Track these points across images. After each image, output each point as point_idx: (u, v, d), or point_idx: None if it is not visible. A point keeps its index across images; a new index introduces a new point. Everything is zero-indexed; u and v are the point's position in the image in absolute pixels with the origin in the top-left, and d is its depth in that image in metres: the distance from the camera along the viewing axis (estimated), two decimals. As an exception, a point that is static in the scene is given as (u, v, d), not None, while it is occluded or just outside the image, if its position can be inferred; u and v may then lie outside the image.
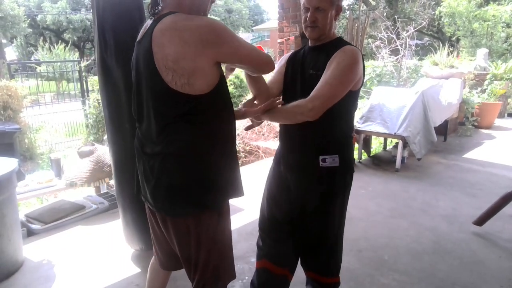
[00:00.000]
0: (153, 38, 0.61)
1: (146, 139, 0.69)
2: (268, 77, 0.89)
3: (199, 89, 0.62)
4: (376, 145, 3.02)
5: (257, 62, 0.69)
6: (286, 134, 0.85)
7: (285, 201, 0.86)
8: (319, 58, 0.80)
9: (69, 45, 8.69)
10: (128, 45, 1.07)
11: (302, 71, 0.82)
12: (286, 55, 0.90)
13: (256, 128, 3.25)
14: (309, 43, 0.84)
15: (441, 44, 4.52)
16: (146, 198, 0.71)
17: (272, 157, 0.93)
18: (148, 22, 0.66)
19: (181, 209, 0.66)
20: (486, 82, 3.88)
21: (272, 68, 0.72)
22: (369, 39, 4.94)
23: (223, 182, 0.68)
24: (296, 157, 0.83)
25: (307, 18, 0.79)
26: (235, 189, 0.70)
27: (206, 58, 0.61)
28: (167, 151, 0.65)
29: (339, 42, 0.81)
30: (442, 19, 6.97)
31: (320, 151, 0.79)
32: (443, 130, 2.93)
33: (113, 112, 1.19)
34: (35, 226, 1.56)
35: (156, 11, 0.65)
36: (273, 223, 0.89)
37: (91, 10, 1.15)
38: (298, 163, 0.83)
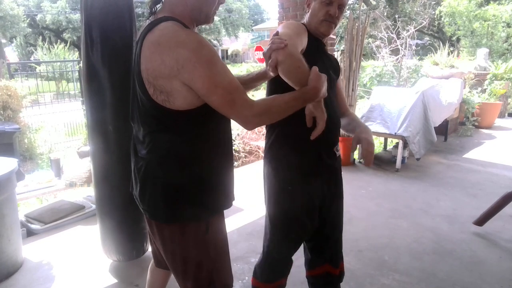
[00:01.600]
0: (143, 47, 0.59)
1: (136, 140, 0.67)
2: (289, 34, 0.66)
3: (179, 106, 0.58)
4: (377, 145, 3.02)
5: (232, 117, 0.59)
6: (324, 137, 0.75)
7: (317, 207, 0.83)
8: (332, 61, 0.81)
9: (69, 44, 8.66)
10: (116, 45, 1.05)
11: (322, 67, 0.70)
12: (304, 27, 0.75)
13: (256, 128, 3.22)
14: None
15: (441, 44, 4.51)
16: (136, 197, 0.69)
17: None
18: (146, 22, 0.64)
19: (165, 216, 0.64)
20: (486, 82, 3.87)
21: (251, 129, 0.64)
22: (369, 39, 4.93)
23: (209, 196, 0.64)
24: (330, 157, 0.81)
25: (329, 12, 0.73)
26: (222, 204, 0.67)
27: (180, 83, 0.56)
28: (151, 155, 0.63)
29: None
30: (443, 18, 6.96)
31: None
32: (443, 130, 2.93)
33: (96, 112, 1.14)
34: (35, 226, 1.56)
35: (154, 10, 0.62)
36: (301, 240, 0.86)
37: (79, 6, 1.11)
38: (333, 161, 0.82)
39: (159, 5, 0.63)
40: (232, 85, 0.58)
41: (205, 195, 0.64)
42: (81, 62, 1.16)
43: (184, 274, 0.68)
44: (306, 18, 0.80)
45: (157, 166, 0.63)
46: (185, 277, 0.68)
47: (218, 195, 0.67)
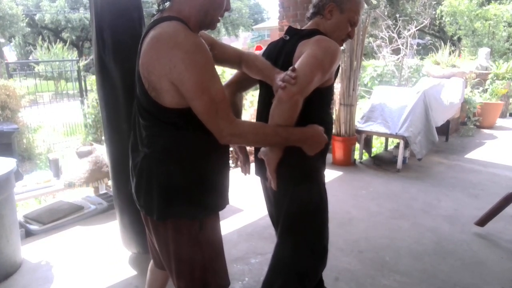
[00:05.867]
0: (143, 42, 0.59)
1: (135, 136, 0.67)
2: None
3: (169, 104, 0.58)
4: (377, 145, 3.01)
5: (210, 126, 0.58)
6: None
7: None
8: None
9: (68, 44, 8.66)
10: (127, 44, 1.08)
11: None
12: (341, 54, 0.76)
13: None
14: None
15: (442, 44, 4.49)
16: (133, 194, 0.69)
17: None
18: (151, 20, 0.64)
19: (159, 212, 0.63)
20: (487, 82, 3.85)
21: (222, 143, 0.61)
22: (370, 38, 4.91)
23: (203, 194, 0.64)
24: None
25: (351, 33, 0.78)
26: (216, 203, 0.67)
27: (169, 83, 0.56)
28: (147, 151, 0.63)
29: None
30: (444, 18, 6.94)
31: None
32: (445, 130, 2.91)
33: (111, 112, 1.17)
34: (34, 227, 1.55)
35: (162, 7, 0.62)
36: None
37: (89, 9, 1.14)
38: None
39: (167, 3, 0.62)
40: (219, 95, 0.58)
41: (198, 192, 0.64)
42: (94, 63, 1.18)
43: (177, 273, 0.67)
44: (323, 25, 0.77)
45: (152, 161, 0.63)
46: (178, 276, 0.67)
47: (212, 194, 0.66)
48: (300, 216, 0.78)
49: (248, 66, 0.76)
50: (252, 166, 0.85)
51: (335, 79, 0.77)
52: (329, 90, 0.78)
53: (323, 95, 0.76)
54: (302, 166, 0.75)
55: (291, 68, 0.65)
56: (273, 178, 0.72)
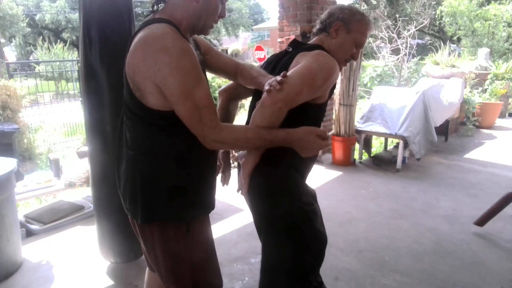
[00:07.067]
0: (132, 43, 0.59)
1: (120, 138, 0.67)
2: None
3: (152, 105, 0.57)
4: (377, 145, 3.01)
5: (193, 131, 0.58)
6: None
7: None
8: None
9: (68, 44, 8.65)
10: (115, 44, 1.05)
11: None
12: (338, 71, 0.73)
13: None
14: None
15: (442, 44, 4.50)
16: (120, 197, 0.68)
17: None
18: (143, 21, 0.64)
19: (143, 216, 0.62)
20: (487, 82, 3.86)
21: (208, 148, 0.60)
22: (370, 38, 4.92)
23: (189, 197, 0.63)
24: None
25: (355, 55, 0.76)
26: (202, 206, 0.66)
27: (153, 85, 0.55)
28: (132, 152, 0.62)
29: None
30: (443, 18, 6.95)
31: None
32: (444, 130, 2.92)
33: (94, 112, 1.13)
34: (34, 227, 1.56)
35: (156, 9, 0.62)
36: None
37: (78, 6, 1.10)
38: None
39: (161, 4, 0.62)
40: (203, 101, 0.57)
41: (183, 196, 0.62)
42: (79, 61, 1.16)
43: (166, 276, 0.66)
44: (327, 42, 0.76)
45: (135, 163, 0.62)
46: (167, 280, 0.66)
47: (197, 197, 0.65)
48: (280, 230, 0.74)
49: (243, 76, 0.75)
50: (236, 178, 0.80)
51: (329, 97, 0.74)
52: (321, 108, 0.74)
53: (313, 112, 0.72)
54: (279, 179, 0.72)
55: (282, 73, 0.63)
56: (245, 183, 0.70)
